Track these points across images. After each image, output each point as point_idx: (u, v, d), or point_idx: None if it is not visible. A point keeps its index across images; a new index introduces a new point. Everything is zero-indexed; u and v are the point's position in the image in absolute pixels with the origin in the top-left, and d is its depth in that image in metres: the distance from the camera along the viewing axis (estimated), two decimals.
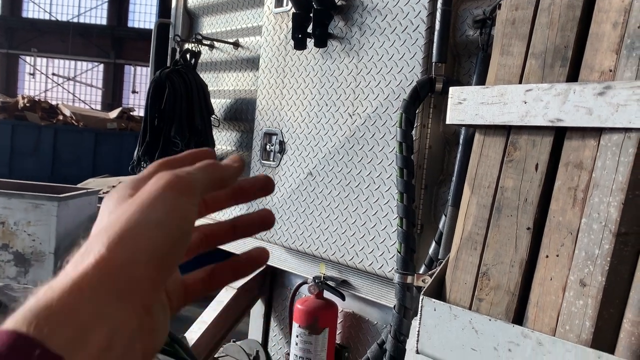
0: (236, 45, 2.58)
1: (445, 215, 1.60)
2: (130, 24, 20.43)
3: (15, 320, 0.33)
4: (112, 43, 20.00)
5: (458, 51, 1.73)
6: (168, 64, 2.62)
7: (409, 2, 1.73)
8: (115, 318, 0.35)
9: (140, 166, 2.46)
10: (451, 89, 1.41)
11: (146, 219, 0.37)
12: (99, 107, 19.56)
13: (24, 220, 5.68)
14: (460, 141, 1.59)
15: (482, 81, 1.58)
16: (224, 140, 2.71)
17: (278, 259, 2.27)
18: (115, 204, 0.40)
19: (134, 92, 19.97)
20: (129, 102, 20.10)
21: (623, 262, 1.13)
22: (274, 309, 2.43)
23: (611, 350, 1.12)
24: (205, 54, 2.75)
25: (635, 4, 1.14)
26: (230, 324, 2.33)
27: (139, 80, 20.04)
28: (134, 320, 0.36)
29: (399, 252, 1.59)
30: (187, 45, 2.60)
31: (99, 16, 20.37)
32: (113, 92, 20.24)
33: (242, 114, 2.60)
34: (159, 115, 2.43)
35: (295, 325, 1.99)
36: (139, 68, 19.77)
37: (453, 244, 1.46)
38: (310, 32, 1.96)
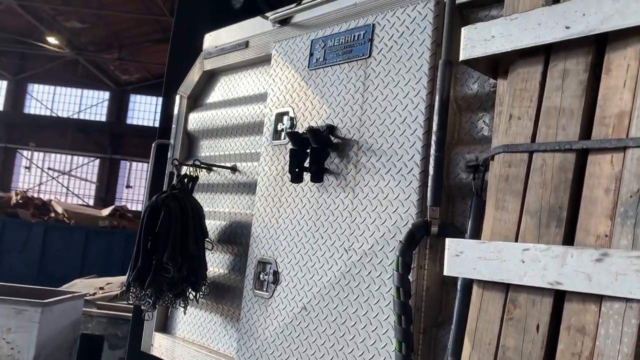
0: (234, 169, 2.63)
1: None
2: (129, 121, 21.00)
3: None
4: (110, 139, 20.44)
5: (452, 193, 1.75)
6: (165, 187, 2.64)
7: (402, 146, 1.78)
8: None
9: (129, 292, 2.40)
10: (448, 241, 1.42)
11: None
12: (92, 200, 19.61)
13: (4, 327, 5.44)
14: (458, 287, 1.57)
15: (477, 227, 1.59)
16: (216, 263, 2.67)
17: None
18: None
19: (128, 186, 20.12)
20: (122, 196, 20.19)
21: None
22: None
23: None
24: (203, 175, 2.79)
25: (625, 174, 1.17)
26: None
27: (134, 175, 20.26)
28: None
29: None
30: (184, 169, 2.64)
31: (99, 113, 20.97)
32: (107, 186, 20.38)
33: (236, 237, 2.59)
34: (153, 239, 2.41)
35: None
36: (134, 163, 20.07)
37: None
38: (307, 167, 2.00)
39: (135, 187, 20.03)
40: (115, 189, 20.46)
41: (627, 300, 1.11)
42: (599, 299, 1.16)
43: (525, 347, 1.27)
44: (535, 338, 1.26)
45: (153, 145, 2.93)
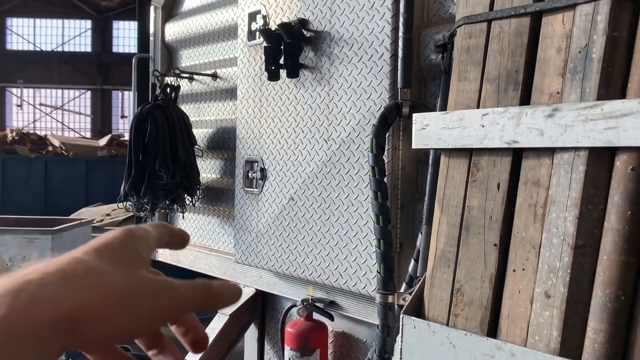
0: (214, 76, 2.65)
1: (421, 233, 1.67)
2: (115, 49, 20.53)
3: None
4: (98, 69, 20.09)
5: (423, 75, 1.80)
6: (149, 99, 2.68)
7: (372, 32, 1.81)
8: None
9: (127, 201, 2.51)
10: (414, 116, 1.49)
11: (137, 308, 0.39)
12: (88, 134, 19.60)
13: (19, 256, 5.69)
14: (430, 162, 1.66)
15: (445, 104, 1.65)
16: (208, 169, 2.77)
17: (268, 284, 2.33)
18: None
19: (123, 117, 20.03)
20: (118, 127, 20.15)
21: (582, 273, 1.20)
22: (267, 333, 2.48)
23: (578, 357, 1.19)
24: (186, 85, 2.82)
25: (574, 31, 1.22)
26: (224, 350, 2.38)
27: (127, 105, 20.10)
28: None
29: (379, 273, 1.66)
30: (166, 79, 2.67)
31: (84, 43, 20.47)
32: (102, 118, 20.30)
33: (224, 142, 2.67)
34: (143, 150, 2.49)
35: (287, 348, 2.05)
36: (126, 93, 19.84)
37: (428, 262, 1.52)
38: (283, 63, 2.03)
39: (130, 117, 19.93)
40: (110, 119, 20.39)
41: (575, 149, 1.19)
42: (551, 152, 1.25)
43: (488, 205, 1.37)
44: (496, 195, 1.36)
45: (133, 59, 2.94)
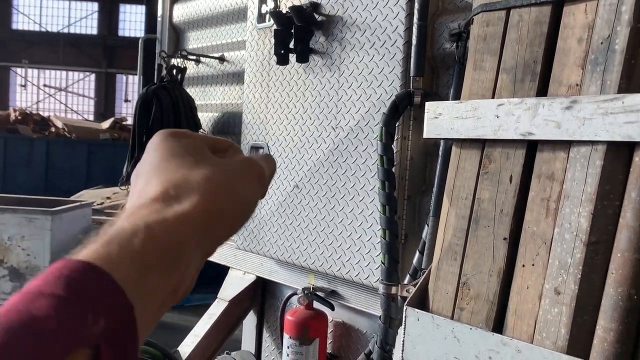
0: (222, 59, 2.61)
1: (428, 225, 1.64)
2: (120, 33, 20.44)
3: (92, 251, 0.35)
4: (103, 52, 20.01)
5: (436, 64, 1.76)
6: (155, 80, 2.65)
7: (386, 18, 1.77)
8: (194, 262, 0.41)
9: (129, 182, 2.48)
10: (427, 104, 1.45)
11: (240, 192, 0.46)
12: (91, 117, 19.55)
13: (18, 235, 5.68)
14: (440, 152, 1.63)
15: (458, 94, 1.62)
16: None
17: (269, 271, 2.31)
18: (185, 153, 0.47)
19: (126, 100, 19.98)
20: (121, 111, 20.09)
21: (594, 271, 1.17)
22: (266, 320, 2.46)
23: (586, 356, 1.16)
24: (192, 68, 2.78)
25: (597, 21, 1.18)
26: (222, 336, 2.36)
27: (132, 89, 20.03)
28: (199, 265, 0.43)
29: (383, 263, 1.63)
30: (173, 61, 2.63)
31: (90, 26, 20.38)
32: (105, 101, 20.24)
33: (229, 127, 2.64)
34: (147, 131, 2.45)
35: (286, 337, 2.02)
36: (131, 77, 19.77)
37: (434, 254, 1.50)
38: (292, 47, 1.99)
39: (133, 101, 19.86)
40: (113, 103, 20.34)
41: (593, 143, 1.16)
42: (567, 145, 1.21)
43: (499, 198, 1.34)
44: (508, 188, 1.33)
45: (140, 40, 2.90)
